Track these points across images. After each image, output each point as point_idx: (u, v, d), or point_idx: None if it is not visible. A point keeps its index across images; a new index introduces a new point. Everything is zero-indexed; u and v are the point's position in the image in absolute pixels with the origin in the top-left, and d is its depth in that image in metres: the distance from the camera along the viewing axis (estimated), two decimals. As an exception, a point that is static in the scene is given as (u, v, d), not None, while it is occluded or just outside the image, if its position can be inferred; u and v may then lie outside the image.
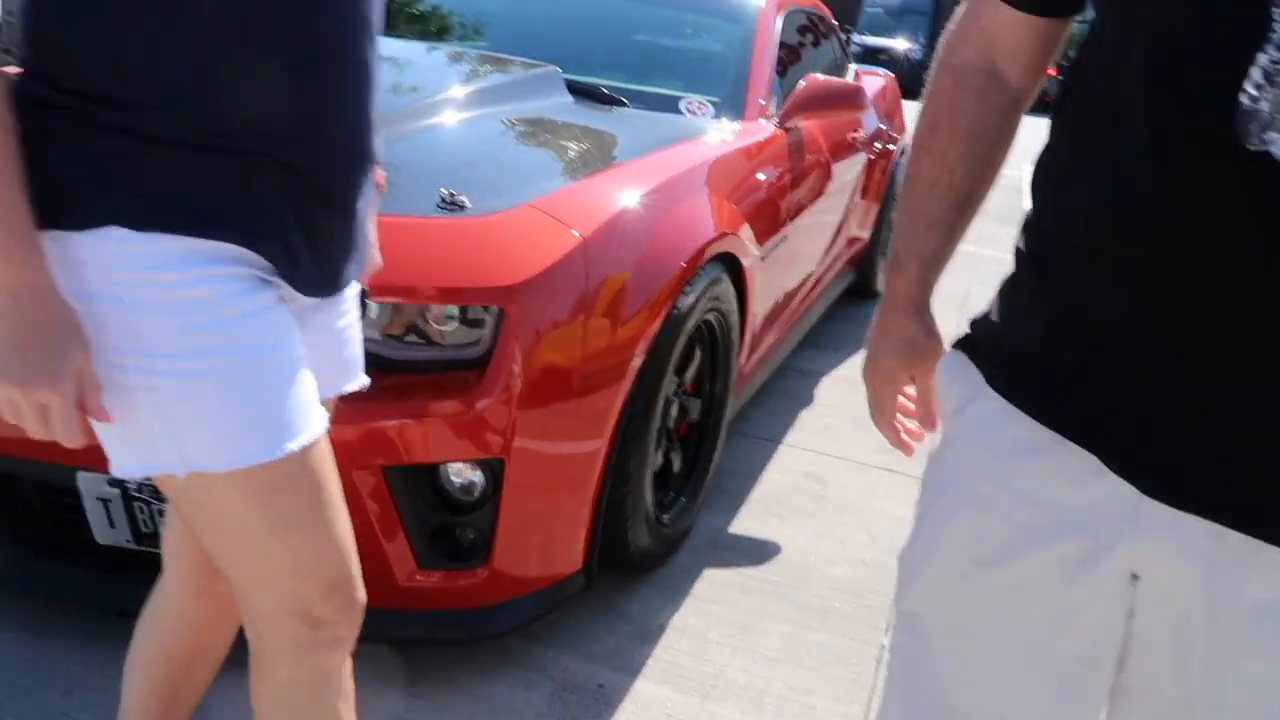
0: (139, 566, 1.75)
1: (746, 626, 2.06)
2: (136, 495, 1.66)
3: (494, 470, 1.70)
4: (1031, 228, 0.87)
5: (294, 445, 0.95)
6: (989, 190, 1.00)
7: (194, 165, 0.87)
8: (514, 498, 1.71)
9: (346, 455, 1.61)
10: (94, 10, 0.83)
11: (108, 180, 0.86)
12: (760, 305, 2.69)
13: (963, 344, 0.95)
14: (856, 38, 18.86)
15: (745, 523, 2.49)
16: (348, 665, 1.12)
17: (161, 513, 1.68)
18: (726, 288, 2.33)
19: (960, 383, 0.93)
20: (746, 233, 2.47)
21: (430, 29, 3.39)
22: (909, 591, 0.95)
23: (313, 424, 0.98)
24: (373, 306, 1.68)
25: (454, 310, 1.71)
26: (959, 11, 0.97)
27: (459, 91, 2.36)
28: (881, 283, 1.22)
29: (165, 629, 1.29)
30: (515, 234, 1.77)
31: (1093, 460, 0.79)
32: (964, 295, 4.82)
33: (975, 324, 0.94)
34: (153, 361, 0.89)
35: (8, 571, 1.75)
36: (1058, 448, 0.81)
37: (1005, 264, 1.06)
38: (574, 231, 1.82)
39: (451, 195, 1.80)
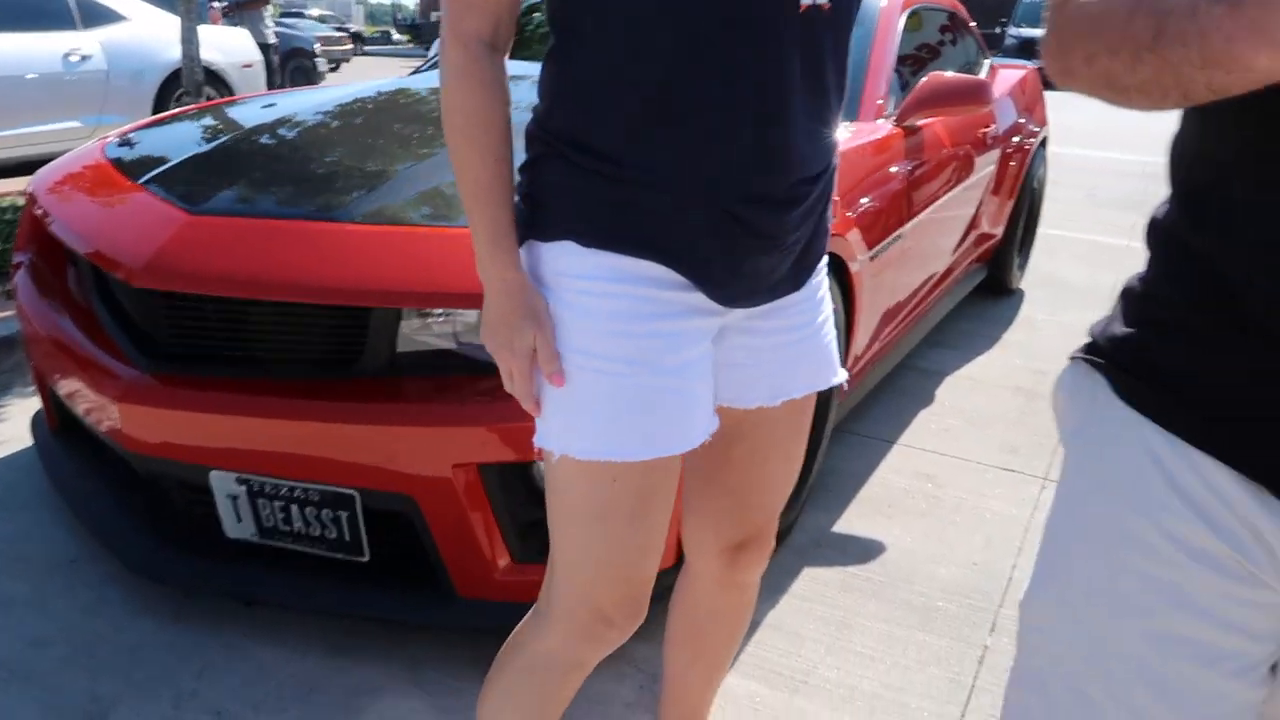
0: (264, 559, 1.93)
1: (843, 624, 2.06)
2: (259, 493, 1.83)
3: (582, 468, 1.78)
4: (1208, 244, 0.75)
5: (650, 456, 1.10)
6: None
7: (638, 201, 1.05)
8: (603, 495, 1.78)
9: (445, 454, 1.73)
10: (577, 87, 1.06)
11: (573, 206, 1.07)
12: (869, 306, 2.68)
13: (1094, 355, 0.85)
14: (1013, 29, 18.16)
15: (851, 522, 2.48)
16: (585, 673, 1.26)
17: (283, 509, 1.84)
18: (830, 288, 2.34)
19: (1083, 399, 0.84)
20: (854, 234, 2.47)
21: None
22: (1039, 643, 0.86)
23: (677, 443, 1.11)
24: (470, 314, 1.80)
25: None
26: None
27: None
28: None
29: (697, 617, 1.48)
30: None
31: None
32: (1111, 291, 4.62)
33: (1114, 338, 0.83)
34: (570, 356, 1.08)
35: (150, 563, 1.96)
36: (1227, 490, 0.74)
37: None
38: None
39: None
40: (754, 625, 2.04)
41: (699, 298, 1.10)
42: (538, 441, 1.14)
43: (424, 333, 1.82)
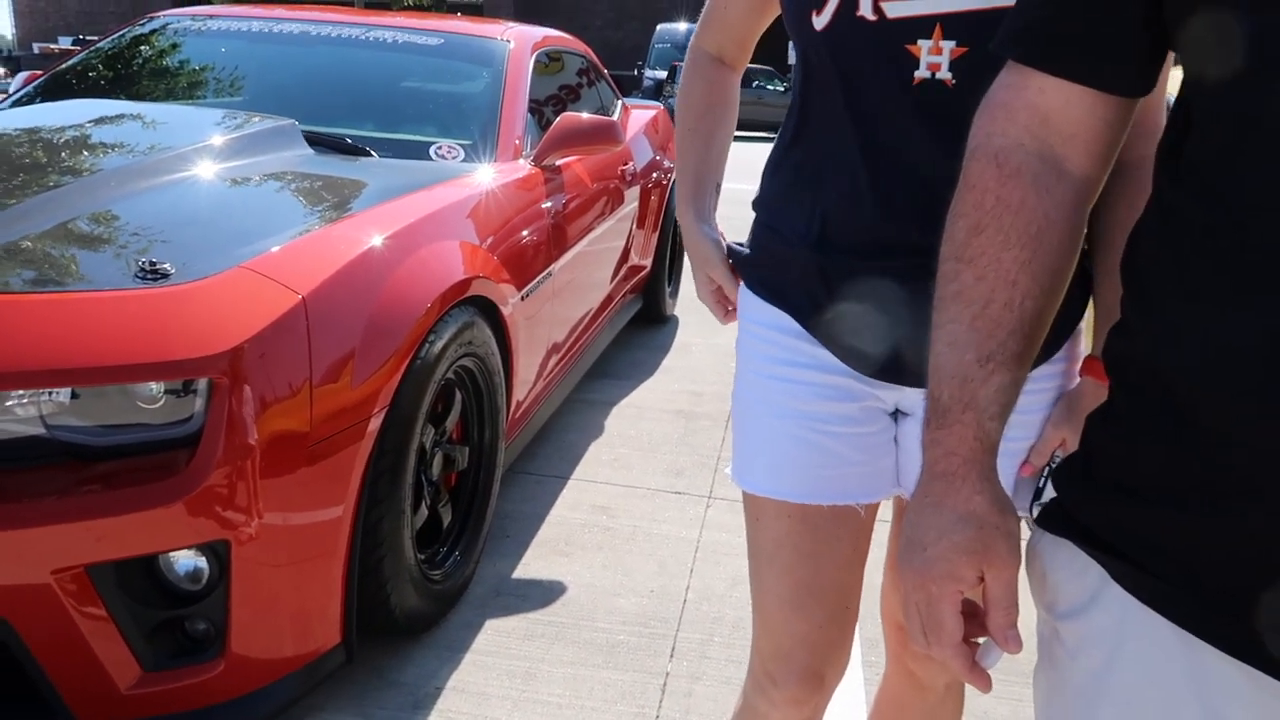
0: None
1: (529, 675, 1.99)
2: None
3: (219, 553, 1.59)
4: (1142, 352, 0.67)
5: (758, 491, 1.15)
6: (1054, 313, 0.78)
7: (771, 255, 1.17)
8: (246, 579, 1.60)
9: (41, 559, 1.47)
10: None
11: (749, 257, 1.21)
12: (527, 345, 2.66)
13: (1059, 521, 0.75)
14: (649, 72, 19.33)
15: (531, 566, 2.43)
16: None
17: None
18: (482, 331, 2.28)
19: (1073, 577, 0.73)
20: (502, 274, 2.44)
21: (170, 88, 3.21)
22: None
23: (787, 488, 1.13)
24: (62, 392, 1.55)
25: (157, 387, 1.59)
26: (997, 83, 0.77)
27: (181, 150, 2.23)
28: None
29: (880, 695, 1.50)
30: (224, 299, 1.66)
31: None
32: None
33: (1075, 489, 0.74)
34: (735, 385, 1.22)
35: None
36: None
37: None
38: (293, 291, 1.73)
39: (151, 264, 1.68)
40: (436, 691, 1.92)
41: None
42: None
43: (4, 418, 1.54)
